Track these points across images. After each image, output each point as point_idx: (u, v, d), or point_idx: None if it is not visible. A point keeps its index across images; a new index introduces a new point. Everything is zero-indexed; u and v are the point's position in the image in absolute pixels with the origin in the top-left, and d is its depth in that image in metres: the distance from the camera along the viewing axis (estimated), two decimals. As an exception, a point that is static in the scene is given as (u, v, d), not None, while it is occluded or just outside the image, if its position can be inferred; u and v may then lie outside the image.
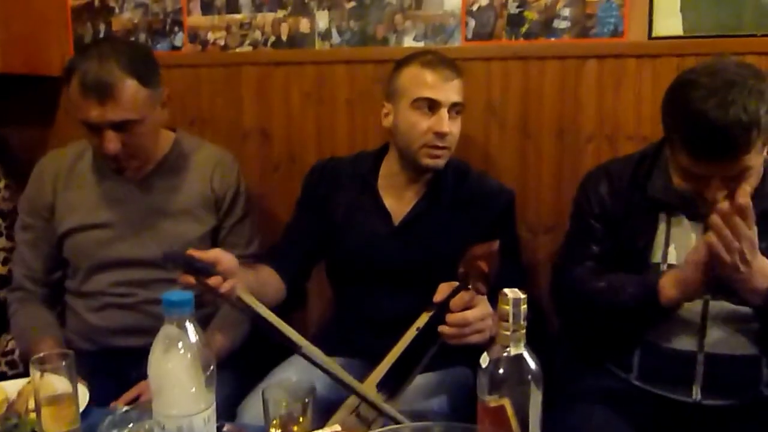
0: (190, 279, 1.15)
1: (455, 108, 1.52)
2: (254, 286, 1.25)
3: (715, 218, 1.19)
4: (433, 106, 1.50)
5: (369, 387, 1.19)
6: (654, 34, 1.75)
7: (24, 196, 1.70)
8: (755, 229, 1.19)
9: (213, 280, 1.14)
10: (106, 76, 1.45)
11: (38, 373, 1.02)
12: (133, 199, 1.62)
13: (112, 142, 1.49)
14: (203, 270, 1.13)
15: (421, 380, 1.44)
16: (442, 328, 1.22)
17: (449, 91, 1.50)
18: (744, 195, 1.18)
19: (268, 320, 1.14)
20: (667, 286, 1.30)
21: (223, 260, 1.17)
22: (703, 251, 1.23)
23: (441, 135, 1.49)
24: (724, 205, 1.18)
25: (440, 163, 1.53)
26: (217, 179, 1.66)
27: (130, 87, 1.47)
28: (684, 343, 1.37)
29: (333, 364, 1.17)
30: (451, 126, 1.50)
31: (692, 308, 1.36)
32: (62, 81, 1.54)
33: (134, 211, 1.61)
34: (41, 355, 1.05)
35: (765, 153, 1.30)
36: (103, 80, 1.45)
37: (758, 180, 1.33)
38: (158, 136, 1.62)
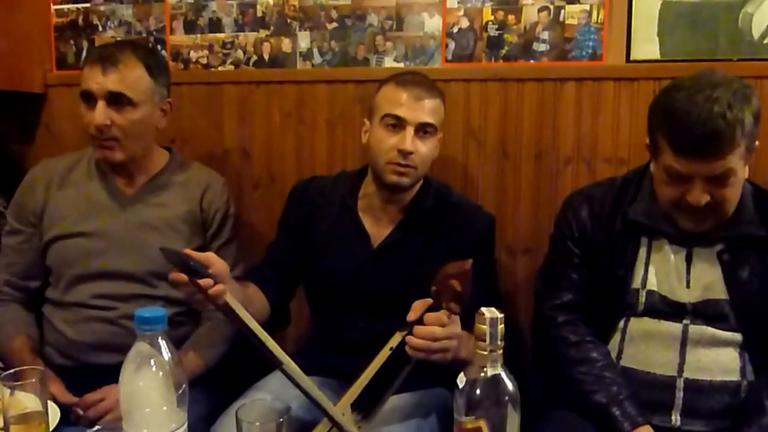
0: (182, 276, 1.13)
1: (423, 128, 1.50)
2: (241, 299, 1.23)
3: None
4: (399, 123, 1.49)
5: (343, 407, 1.18)
6: (632, 58, 1.77)
7: (13, 202, 1.70)
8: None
9: (204, 281, 1.12)
10: (118, 53, 1.57)
11: (8, 391, 1.00)
12: (123, 211, 1.63)
13: (102, 113, 1.54)
14: (196, 270, 1.12)
15: (398, 401, 1.43)
16: (409, 338, 1.21)
17: (418, 110, 1.49)
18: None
19: (252, 330, 1.12)
20: None
21: (216, 263, 1.16)
22: None
23: (404, 153, 1.48)
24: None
25: (404, 180, 1.51)
26: (207, 200, 1.68)
27: (136, 68, 1.57)
28: (663, 368, 1.37)
29: (310, 382, 1.16)
30: (417, 145, 1.49)
31: (672, 333, 1.37)
32: (44, 97, 1.57)
33: (122, 224, 1.62)
34: (12, 371, 1.03)
35: (746, 168, 1.30)
36: (113, 54, 1.56)
37: (738, 195, 1.33)
38: (149, 141, 1.65)
